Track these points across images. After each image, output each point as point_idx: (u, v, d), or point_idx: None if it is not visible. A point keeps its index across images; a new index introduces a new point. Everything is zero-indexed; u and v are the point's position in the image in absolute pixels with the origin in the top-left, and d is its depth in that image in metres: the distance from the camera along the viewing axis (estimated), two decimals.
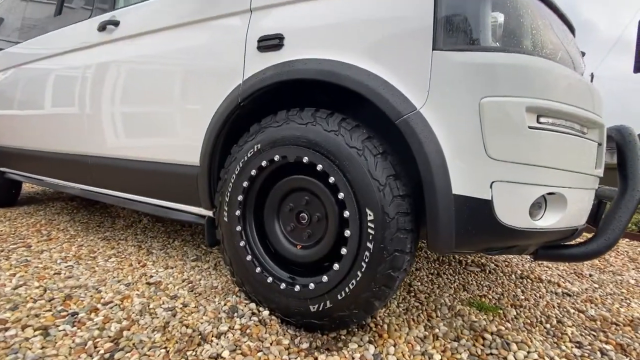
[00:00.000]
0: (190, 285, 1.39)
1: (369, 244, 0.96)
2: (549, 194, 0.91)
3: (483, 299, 1.44)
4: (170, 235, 2.16)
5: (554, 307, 1.40)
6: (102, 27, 1.73)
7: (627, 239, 3.09)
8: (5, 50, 2.57)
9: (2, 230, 2.18)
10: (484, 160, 0.87)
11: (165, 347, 0.95)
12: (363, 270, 0.97)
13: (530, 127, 0.85)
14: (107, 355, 0.90)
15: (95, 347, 0.93)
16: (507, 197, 0.87)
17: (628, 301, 1.53)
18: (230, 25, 1.27)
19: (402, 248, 0.95)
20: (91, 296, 1.24)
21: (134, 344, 0.95)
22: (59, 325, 1.04)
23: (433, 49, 0.90)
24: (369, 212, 0.95)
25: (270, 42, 1.14)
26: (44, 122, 2.16)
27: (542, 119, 0.86)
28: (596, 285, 1.72)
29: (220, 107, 1.26)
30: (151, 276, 1.46)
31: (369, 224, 0.95)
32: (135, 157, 1.62)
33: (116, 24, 1.68)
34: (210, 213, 1.40)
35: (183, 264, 1.64)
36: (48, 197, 3.58)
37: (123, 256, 1.74)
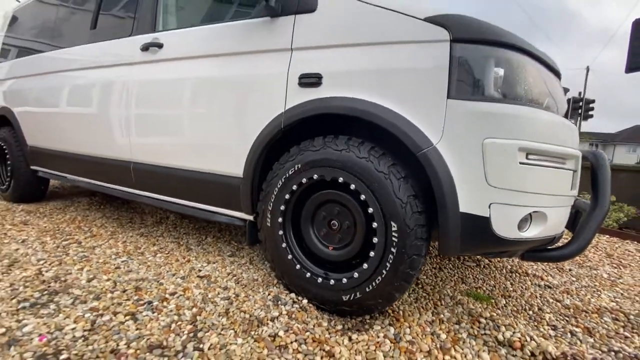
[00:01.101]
0: (235, 278, 1.64)
1: (393, 249, 1.22)
2: (534, 212, 1.17)
3: (478, 290, 1.73)
4: (201, 232, 2.41)
5: (536, 297, 1.69)
6: (145, 48, 1.93)
7: (607, 236, 3.41)
8: (43, 54, 2.72)
9: (46, 227, 2.40)
10: (484, 187, 1.12)
11: (233, 329, 1.21)
12: (387, 269, 1.23)
13: (521, 163, 1.10)
14: (191, 335, 1.16)
15: (180, 329, 1.19)
16: (501, 215, 1.13)
17: (599, 292, 1.83)
18: (274, 60, 1.48)
19: (419, 252, 1.21)
20: (156, 288, 1.50)
21: (209, 326, 1.21)
22: (142, 312, 1.29)
23: (447, 98, 1.14)
24: (393, 224, 1.21)
25: (310, 80, 1.37)
26: (83, 128, 2.36)
27: (530, 157, 1.11)
28: (574, 279, 2.02)
29: (264, 130, 1.49)
30: (199, 270, 1.71)
31: (393, 234, 1.21)
32: (180, 166, 1.84)
33: (159, 45, 1.87)
34: (251, 217, 1.64)
35: (222, 259, 1.90)
36: (69, 191, 3.78)
37: (167, 252, 1.98)
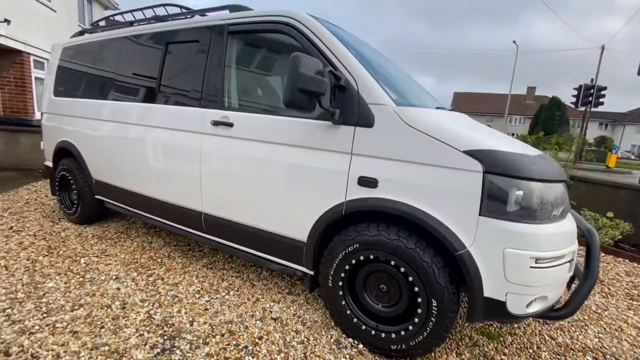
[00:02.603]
0: (300, 320, 2.10)
1: (432, 319, 1.65)
2: (538, 296, 1.59)
3: (490, 328, 2.18)
4: (256, 265, 2.86)
5: (536, 335, 2.15)
6: (216, 123, 2.28)
7: (602, 253, 3.83)
8: (110, 102, 3.04)
9: (125, 258, 2.86)
10: (503, 281, 1.53)
11: None
12: (427, 332, 1.67)
13: (531, 267, 1.50)
14: None
15: None
16: (514, 300, 1.55)
17: (586, 328, 2.28)
18: (336, 159, 1.84)
19: (451, 322, 1.65)
20: (245, 332, 1.96)
21: None
22: (244, 357, 1.76)
23: (479, 215, 1.53)
24: (434, 301, 1.64)
25: (368, 182, 1.74)
26: (154, 176, 2.73)
27: (538, 262, 1.51)
28: None
29: (327, 212, 1.88)
30: (271, 311, 2.17)
31: (434, 308, 1.64)
32: (250, 224, 2.24)
33: (230, 125, 2.22)
34: (311, 272, 2.07)
35: (283, 297, 2.36)
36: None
37: (236, 289, 2.44)
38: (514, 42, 30.08)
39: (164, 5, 3.05)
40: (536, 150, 1.90)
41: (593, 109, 16.34)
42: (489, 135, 1.81)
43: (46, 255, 2.84)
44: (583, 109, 16.40)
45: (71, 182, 3.59)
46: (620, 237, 4.12)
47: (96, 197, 3.45)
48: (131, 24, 3.16)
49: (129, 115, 2.87)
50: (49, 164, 3.95)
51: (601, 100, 15.89)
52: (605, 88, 15.81)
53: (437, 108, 2.04)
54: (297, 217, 2.03)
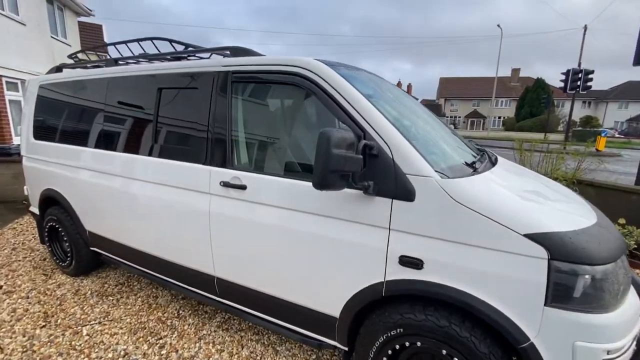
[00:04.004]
0: None
1: None
2: None
3: None
4: None
5: None
6: (226, 185, 2.04)
7: None
8: (101, 152, 2.72)
9: (130, 322, 2.63)
10: None
11: None
12: None
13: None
14: None
15: None
16: None
17: None
18: (370, 234, 1.63)
19: None
20: None
21: None
22: None
23: (544, 305, 1.36)
24: None
25: (412, 262, 1.55)
26: (156, 235, 2.47)
27: (610, 353, 1.36)
28: None
29: (363, 291, 1.68)
30: None
31: None
32: (270, 293, 2.04)
33: (242, 187, 1.99)
34: (345, 348, 1.89)
35: None
36: None
37: (259, 358, 2.25)
38: (498, 25, 30.09)
39: (151, 38, 2.74)
40: (591, 211, 1.73)
41: (581, 92, 16.48)
42: (545, 198, 1.63)
43: (43, 327, 2.58)
44: (572, 92, 16.50)
45: (62, 233, 3.30)
46: (635, 246, 4.06)
47: (91, 249, 3.18)
48: (116, 61, 2.85)
49: (124, 168, 2.59)
50: (35, 210, 3.64)
51: (589, 84, 16.01)
52: (592, 72, 15.93)
53: (466, 164, 1.81)
54: (326, 293, 1.83)
